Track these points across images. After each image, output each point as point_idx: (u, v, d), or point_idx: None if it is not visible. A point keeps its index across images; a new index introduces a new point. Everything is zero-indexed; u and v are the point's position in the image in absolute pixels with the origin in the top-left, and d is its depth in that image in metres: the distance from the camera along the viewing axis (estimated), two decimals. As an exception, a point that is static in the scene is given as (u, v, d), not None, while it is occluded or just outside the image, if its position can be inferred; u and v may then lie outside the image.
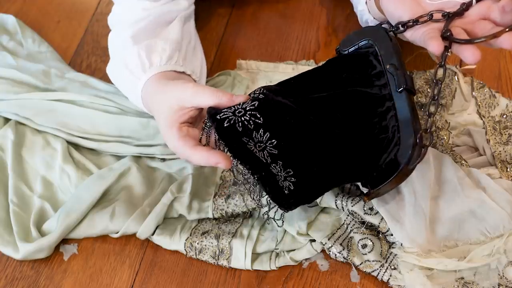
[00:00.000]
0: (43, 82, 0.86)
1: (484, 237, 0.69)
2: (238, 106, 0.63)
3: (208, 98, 0.63)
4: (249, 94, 0.64)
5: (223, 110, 0.63)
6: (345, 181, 0.68)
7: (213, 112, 0.63)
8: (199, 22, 0.87)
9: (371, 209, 0.70)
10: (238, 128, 0.61)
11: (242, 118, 0.61)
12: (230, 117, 0.62)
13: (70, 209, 0.74)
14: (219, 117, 0.62)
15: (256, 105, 0.62)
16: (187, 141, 0.64)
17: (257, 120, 0.61)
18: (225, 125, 0.61)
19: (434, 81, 0.63)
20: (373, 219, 0.70)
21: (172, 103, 0.65)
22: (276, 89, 0.65)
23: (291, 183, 0.63)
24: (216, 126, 0.62)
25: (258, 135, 0.62)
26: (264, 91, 0.64)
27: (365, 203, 0.70)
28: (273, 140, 0.62)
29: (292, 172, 0.63)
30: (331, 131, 0.64)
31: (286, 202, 0.63)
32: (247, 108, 0.62)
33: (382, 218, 0.70)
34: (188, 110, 0.65)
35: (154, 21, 0.77)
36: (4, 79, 0.86)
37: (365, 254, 0.70)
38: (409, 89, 0.64)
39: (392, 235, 0.69)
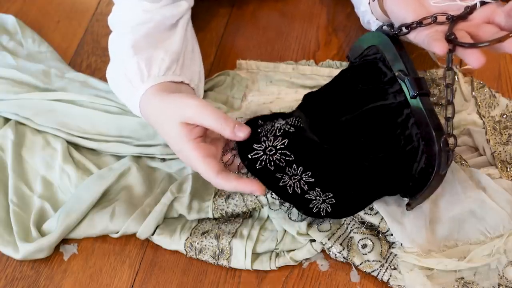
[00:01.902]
0: (43, 82, 0.86)
1: (484, 237, 0.69)
2: (269, 143, 0.63)
3: (211, 121, 0.62)
4: (278, 127, 0.65)
5: (254, 147, 0.64)
6: (382, 195, 0.69)
7: (242, 148, 0.64)
8: (199, 22, 0.86)
9: (371, 209, 0.70)
10: (270, 167, 0.63)
11: (274, 157, 0.63)
12: (261, 158, 0.63)
13: (70, 209, 0.74)
14: (250, 157, 0.63)
15: (286, 143, 0.63)
16: (211, 167, 0.62)
17: (288, 158, 0.63)
18: (258, 167, 0.63)
19: (445, 84, 0.63)
20: (373, 219, 0.70)
21: (176, 121, 0.64)
22: (306, 120, 0.67)
23: (329, 205, 0.65)
24: (247, 165, 0.64)
25: (292, 169, 0.64)
26: (295, 125, 0.65)
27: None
28: (308, 172, 0.64)
29: (331, 195, 0.65)
30: (360, 164, 0.66)
31: (320, 218, 0.68)
32: (278, 147, 0.63)
33: (382, 218, 0.70)
34: (193, 126, 0.64)
35: (155, 27, 0.76)
36: (4, 79, 0.86)
37: (365, 254, 0.70)
38: (423, 93, 0.64)
39: (392, 235, 0.70)
